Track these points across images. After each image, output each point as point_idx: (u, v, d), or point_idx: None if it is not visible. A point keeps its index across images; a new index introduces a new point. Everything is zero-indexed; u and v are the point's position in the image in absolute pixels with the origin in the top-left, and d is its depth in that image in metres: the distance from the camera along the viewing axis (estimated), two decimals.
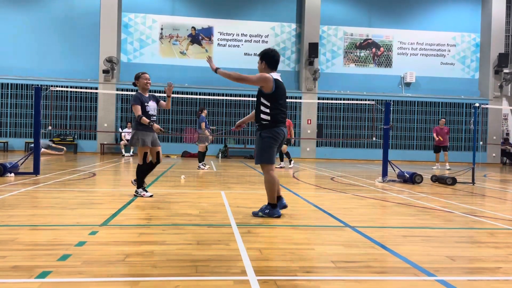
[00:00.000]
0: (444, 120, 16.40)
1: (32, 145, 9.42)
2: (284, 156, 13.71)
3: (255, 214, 4.78)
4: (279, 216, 4.68)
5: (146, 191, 6.06)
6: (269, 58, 4.79)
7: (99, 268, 2.78)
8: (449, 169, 14.65)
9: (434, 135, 15.94)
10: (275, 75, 4.75)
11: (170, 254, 3.16)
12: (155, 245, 3.41)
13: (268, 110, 4.71)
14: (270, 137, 4.68)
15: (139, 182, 6.07)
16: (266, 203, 4.81)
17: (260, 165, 4.81)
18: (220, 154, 19.08)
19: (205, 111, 11.94)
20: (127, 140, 18.08)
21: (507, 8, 22.00)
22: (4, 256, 2.97)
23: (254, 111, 4.96)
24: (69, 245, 3.29)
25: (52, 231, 3.79)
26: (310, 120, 20.41)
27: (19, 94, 19.08)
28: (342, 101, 19.08)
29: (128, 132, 17.65)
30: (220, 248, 3.37)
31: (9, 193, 6.01)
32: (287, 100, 18.50)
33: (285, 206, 4.86)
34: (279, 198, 4.82)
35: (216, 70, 4.78)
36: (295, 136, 20.51)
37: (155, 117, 6.19)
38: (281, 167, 12.90)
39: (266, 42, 20.73)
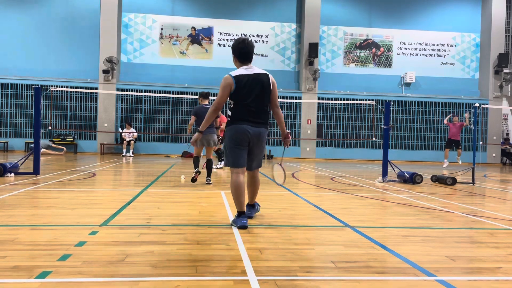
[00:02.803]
0: (456, 118, 15.83)
1: (32, 145, 9.42)
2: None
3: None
4: (242, 227, 4.05)
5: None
6: (236, 51, 4.30)
7: (99, 268, 2.78)
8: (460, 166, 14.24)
9: (446, 122, 15.74)
10: (241, 70, 4.23)
11: (170, 254, 3.16)
12: (155, 245, 3.40)
13: (231, 107, 4.30)
14: (227, 137, 4.31)
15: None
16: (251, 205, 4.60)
17: None
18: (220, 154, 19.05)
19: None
20: (126, 141, 18.10)
21: (507, 8, 22.00)
22: (4, 256, 2.97)
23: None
24: (69, 245, 3.29)
25: (52, 231, 3.79)
26: (310, 120, 20.41)
27: (19, 94, 19.08)
28: (342, 101, 19.09)
29: (128, 132, 17.64)
30: (220, 248, 3.37)
31: (9, 193, 6.01)
32: (283, 99, 18.11)
33: (249, 217, 4.47)
34: (252, 205, 4.57)
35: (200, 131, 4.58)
36: (294, 136, 20.52)
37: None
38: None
39: (266, 42, 20.73)
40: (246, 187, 4.40)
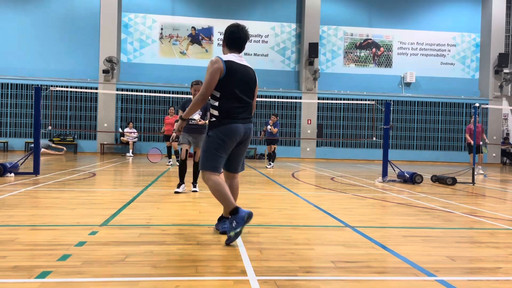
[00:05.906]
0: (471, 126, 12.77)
1: (32, 145, 9.42)
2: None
3: (227, 237, 3.48)
4: (249, 216, 3.42)
5: (178, 188, 6.66)
6: (230, 36, 3.68)
7: (99, 268, 2.78)
8: (482, 173, 12.67)
9: (467, 135, 12.82)
10: (231, 57, 3.64)
11: (170, 254, 3.16)
12: (155, 245, 3.40)
13: (217, 103, 3.60)
14: (217, 136, 3.58)
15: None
16: (227, 217, 3.67)
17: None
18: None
19: None
20: (127, 139, 18.11)
21: (507, 8, 21.99)
22: (4, 256, 2.97)
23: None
24: (69, 245, 3.29)
25: (52, 231, 3.79)
26: (310, 120, 20.41)
27: (19, 94, 19.08)
28: (342, 101, 19.08)
29: (129, 131, 17.64)
30: (220, 248, 3.37)
31: (9, 193, 6.01)
32: (284, 99, 18.19)
33: (249, 214, 3.46)
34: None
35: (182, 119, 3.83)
36: (294, 136, 20.51)
37: (194, 121, 6.58)
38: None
39: (266, 42, 20.73)
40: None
